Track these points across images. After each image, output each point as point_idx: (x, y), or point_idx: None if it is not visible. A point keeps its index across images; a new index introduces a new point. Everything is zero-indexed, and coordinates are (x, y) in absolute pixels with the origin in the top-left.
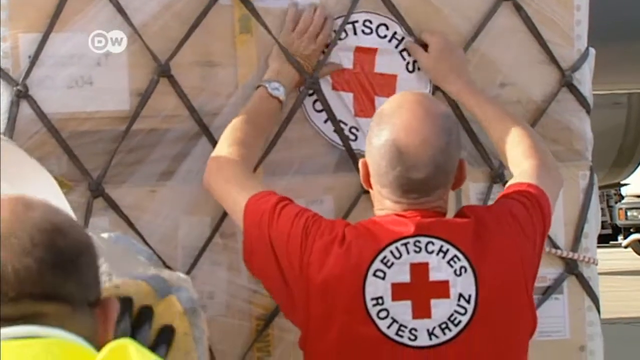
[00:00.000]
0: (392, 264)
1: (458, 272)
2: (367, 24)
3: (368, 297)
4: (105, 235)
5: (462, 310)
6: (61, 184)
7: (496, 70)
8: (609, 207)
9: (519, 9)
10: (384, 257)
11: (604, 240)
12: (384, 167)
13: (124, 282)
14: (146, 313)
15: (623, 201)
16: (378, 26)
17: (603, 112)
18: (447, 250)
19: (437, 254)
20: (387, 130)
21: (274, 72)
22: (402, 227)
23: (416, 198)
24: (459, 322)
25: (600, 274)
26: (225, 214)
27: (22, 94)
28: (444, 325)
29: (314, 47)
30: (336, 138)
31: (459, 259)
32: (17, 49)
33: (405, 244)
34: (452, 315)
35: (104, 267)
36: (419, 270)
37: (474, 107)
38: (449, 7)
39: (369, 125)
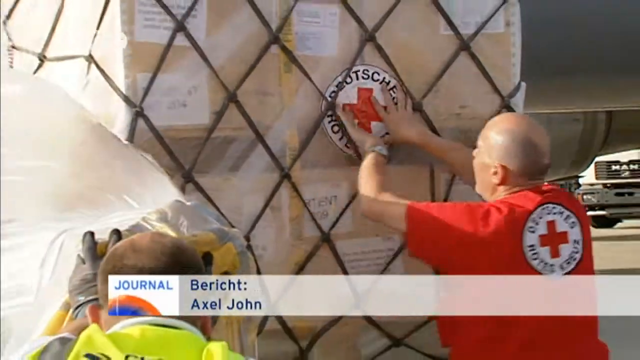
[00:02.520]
0: (538, 222)
1: (571, 225)
2: (365, 72)
3: (525, 245)
4: (188, 203)
5: (577, 250)
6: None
7: (457, 97)
8: (570, 192)
9: (473, 57)
10: (533, 218)
11: None
12: (527, 161)
13: (198, 233)
14: (208, 258)
15: (580, 188)
16: (372, 73)
17: (565, 125)
18: (563, 211)
19: (559, 214)
20: (522, 137)
21: (376, 140)
22: (538, 197)
23: (540, 179)
24: (575, 258)
25: None
26: (273, 194)
27: (139, 114)
28: (567, 262)
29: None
30: (344, 147)
31: (570, 217)
32: (135, 83)
33: (543, 208)
34: (571, 254)
35: (185, 222)
36: (551, 225)
37: (431, 143)
38: (425, 54)
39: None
